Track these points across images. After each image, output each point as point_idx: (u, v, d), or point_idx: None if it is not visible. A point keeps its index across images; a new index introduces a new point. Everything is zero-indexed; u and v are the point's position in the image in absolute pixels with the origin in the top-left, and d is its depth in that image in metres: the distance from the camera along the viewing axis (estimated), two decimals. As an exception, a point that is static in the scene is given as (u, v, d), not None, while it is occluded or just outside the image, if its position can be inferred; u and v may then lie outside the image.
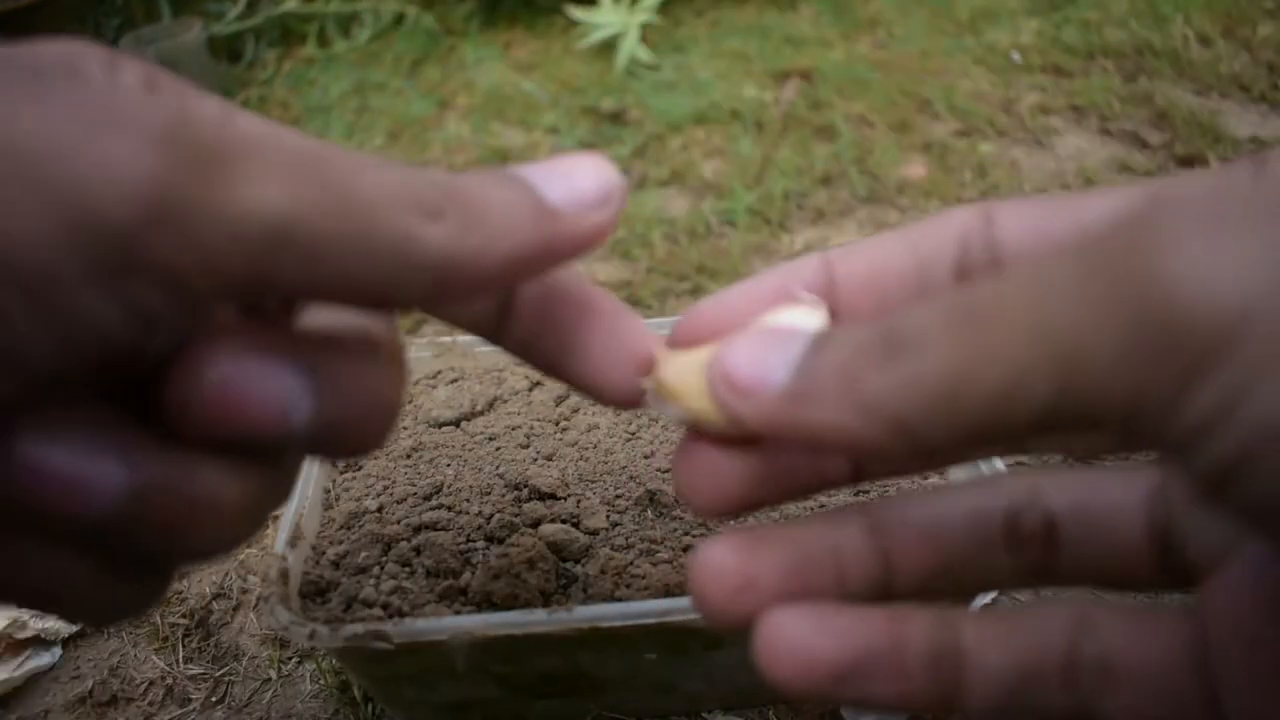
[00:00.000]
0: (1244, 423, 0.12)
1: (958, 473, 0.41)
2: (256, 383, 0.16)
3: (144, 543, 0.17)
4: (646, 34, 1.24)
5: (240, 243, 0.15)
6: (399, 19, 1.38)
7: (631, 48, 1.17)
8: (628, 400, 0.22)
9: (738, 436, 0.19)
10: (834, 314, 0.20)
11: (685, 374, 0.20)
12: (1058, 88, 1.06)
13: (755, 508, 0.21)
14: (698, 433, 0.20)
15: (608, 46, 1.21)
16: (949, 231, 0.20)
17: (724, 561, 0.19)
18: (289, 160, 0.15)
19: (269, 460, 0.18)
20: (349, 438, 0.18)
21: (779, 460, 0.20)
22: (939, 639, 0.18)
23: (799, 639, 0.18)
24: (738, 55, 1.21)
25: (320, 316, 0.19)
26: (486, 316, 0.22)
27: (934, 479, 0.42)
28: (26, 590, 0.17)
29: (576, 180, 0.19)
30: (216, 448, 0.17)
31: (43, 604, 0.18)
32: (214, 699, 0.45)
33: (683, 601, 0.35)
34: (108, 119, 0.14)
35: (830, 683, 0.18)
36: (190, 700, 0.45)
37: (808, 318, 0.19)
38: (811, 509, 0.40)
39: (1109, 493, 0.19)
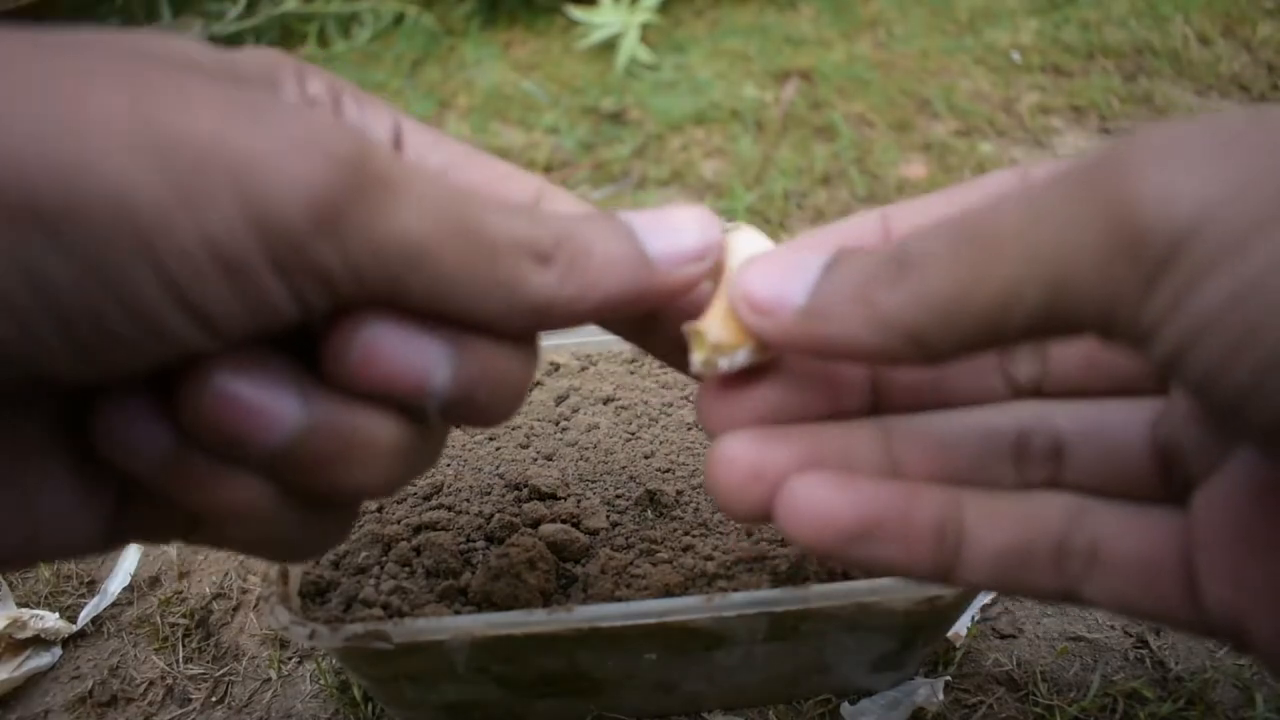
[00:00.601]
0: (1187, 314, 0.15)
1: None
2: (400, 347, 0.19)
3: (313, 474, 0.19)
4: (646, 34, 1.24)
5: (380, 259, 0.17)
6: (399, 19, 1.38)
7: (631, 48, 1.17)
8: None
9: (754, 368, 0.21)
10: None
11: (713, 328, 0.21)
12: (1058, 88, 1.06)
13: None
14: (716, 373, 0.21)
15: (608, 46, 1.21)
16: (989, 190, 0.22)
17: (740, 452, 0.20)
18: (434, 197, 0.18)
19: (416, 417, 0.20)
20: (482, 405, 0.20)
21: (797, 391, 0.21)
22: (944, 513, 0.20)
23: (819, 498, 0.19)
24: (738, 55, 1.21)
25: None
26: (632, 328, 0.25)
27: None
28: (223, 509, 0.20)
29: (680, 235, 0.21)
30: (371, 398, 0.19)
31: (240, 531, 0.20)
32: (214, 699, 0.45)
33: (683, 601, 0.35)
34: (299, 137, 0.17)
35: (844, 541, 0.19)
36: (190, 700, 0.45)
37: (759, 241, 0.22)
38: None
39: (1116, 414, 0.21)
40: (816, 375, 0.22)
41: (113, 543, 0.21)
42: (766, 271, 0.20)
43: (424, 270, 0.18)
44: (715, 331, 0.21)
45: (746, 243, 0.22)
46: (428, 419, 0.20)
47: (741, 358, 0.21)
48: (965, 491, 0.21)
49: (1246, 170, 0.14)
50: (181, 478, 0.19)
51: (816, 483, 0.20)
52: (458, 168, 0.24)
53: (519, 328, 0.20)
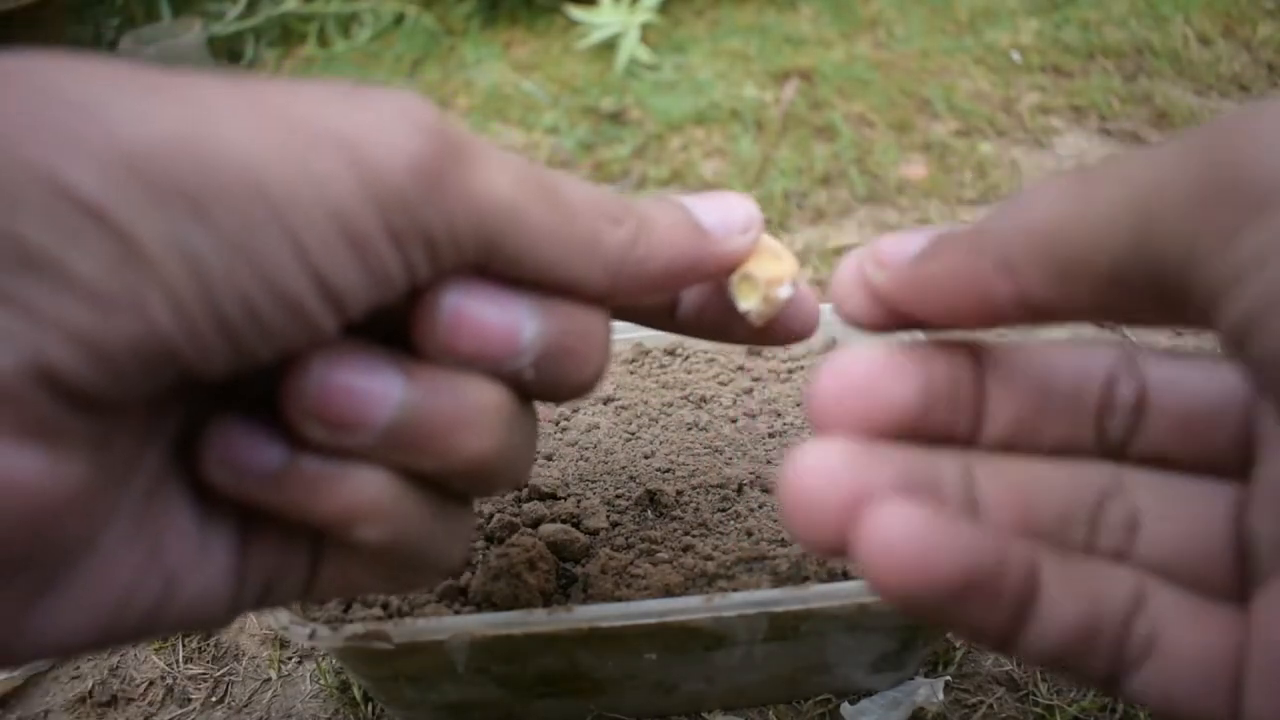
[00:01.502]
0: (1272, 273, 0.13)
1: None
2: (486, 308, 0.20)
3: (427, 449, 0.19)
4: (646, 34, 1.24)
5: (477, 220, 0.18)
6: (399, 19, 1.38)
7: (631, 48, 1.17)
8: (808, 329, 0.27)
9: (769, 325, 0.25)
10: None
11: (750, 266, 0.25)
12: (1058, 88, 1.06)
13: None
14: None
15: (608, 46, 1.21)
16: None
17: (834, 466, 0.17)
18: (513, 164, 0.19)
19: (512, 381, 0.20)
20: (572, 363, 0.21)
21: (918, 404, 0.19)
22: (1028, 574, 0.17)
23: (917, 537, 0.16)
24: (738, 55, 1.21)
25: None
26: (658, 310, 0.27)
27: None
28: (347, 511, 0.19)
29: (727, 210, 0.24)
30: (469, 366, 0.20)
31: (369, 532, 0.20)
32: (214, 699, 0.45)
33: (683, 601, 0.35)
34: (390, 110, 0.18)
35: (939, 596, 0.16)
36: (190, 700, 0.45)
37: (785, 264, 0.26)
38: None
39: (1200, 493, 0.19)
40: (938, 390, 0.19)
41: (239, 603, 0.20)
42: (895, 236, 0.20)
43: (515, 229, 0.19)
44: (762, 270, 0.25)
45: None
46: (523, 381, 0.21)
47: (787, 290, 0.25)
48: (1042, 551, 0.18)
49: None
50: (299, 487, 0.19)
51: (913, 517, 0.16)
52: None
53: (597, 285, 0.21)
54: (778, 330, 0.27)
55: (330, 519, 0.20)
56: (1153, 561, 0.19)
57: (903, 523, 0.16)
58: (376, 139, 0.17)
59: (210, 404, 0.20)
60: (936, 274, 0.18)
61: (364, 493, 0.19)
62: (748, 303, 0.25)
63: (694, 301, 0.27)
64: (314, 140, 0.17)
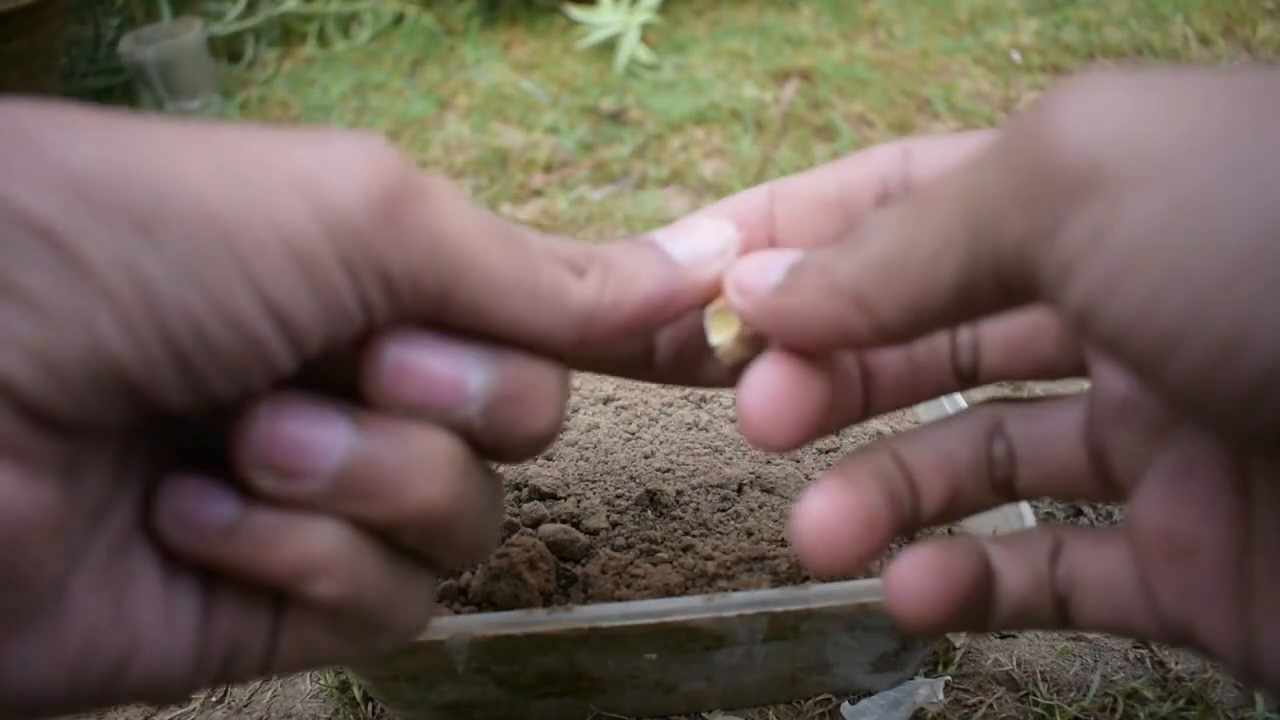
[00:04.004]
0: (1103, 256, 0.14)
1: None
2: (432, 356, 0.19)
3: (378, 497, 0.19)
4: (646, 34, 1.24)
5: (436, 258, 0.18)
6: (399, 19, 1.38)
7: (631, 48, 1.17)
8: None
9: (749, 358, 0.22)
10: (772, 239, 0.24)
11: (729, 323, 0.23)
12: (1058, 88, 1.06)
13: (808, 439, 0.22)
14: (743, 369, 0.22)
15: (608, 46, 1.21)
16: (869, 169, 0.23)
17: (840, 505, 0.20)
18: (474, 209, 0.19)
19: (462, 432, 0.20)
20: (521, 417, 0.20)
21: (824, 396, 0.22)
22: (987, 564, 0.21)
23: (936, 578, 0.20)
24: (738, 55, 1.21)
25: None
26: (634, 359, 0.25)
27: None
28: (302, 564, 0.19)
29: (696, 237, 0.22)
30: (416, 416, 0.19)
31: (326, 588, 0.19)
32: (214, 699, 0.45)
33: (683, 601, 0.35)
34: (349, 147, 0.18)
35: (960, 611, 0.20)
36: (190, 700, 0.45)
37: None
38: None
39: (1053, 418, 0.22)
40: (837, 385, 0.22)
41: (200, 672, 0.20)
42: (756, 259, 0.21)
43: (476, 274, 0.19)
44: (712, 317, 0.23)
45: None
46: (472, 432, 0.20)
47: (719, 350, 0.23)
48: (985, 540, 0.22)
49: (1158, 98, 0.14)
50: (252, 542, 0.19)
51: (929, 559, 0.20)
52: None
53: (565, 339, 0.20)
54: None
55: (285, 573, 0.19)
56: (1032, 480, 0.22)
57: (923, 566, 0.20)
58: (332, 172, 0.17)
59: (174, 461, 0.20)
60: (795, 308, 0.19)
61: (317, 545, 0.19)
62: (719, 336, 0.23)
63: (670, 346, 0.25)
64: (268, 174, 0.17)
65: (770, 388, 0.21)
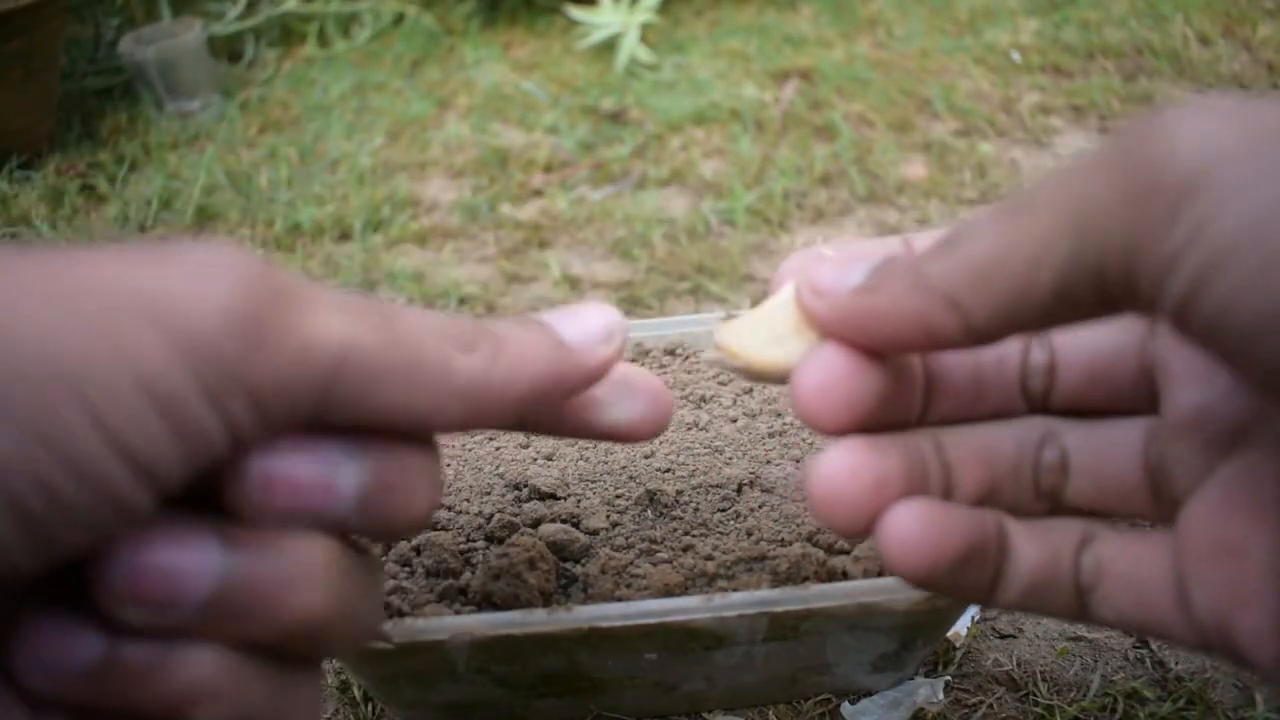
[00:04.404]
0: (1207, 241, 0.15)
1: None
2: (299, 464, 0.18)
3: (259, 616, 0.18)
4: (646, 34, 1.24)
5: (307, 366, 0.17)
6: (399, 19, 1.38)
7: (631, 48, 1.17)
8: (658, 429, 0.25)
9: (779, 380, 0.23)
10: None
11: (739, 333, 0.23)
12: (1058, 88, 1.06)
13: (857, 426, 0.22)
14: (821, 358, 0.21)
15: (608, 46, 1.21)
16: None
17: (854, 462, 0.21)
18: (347, 302, 0.18)
19: (339, 532, 0.19)
20: (397, 506, 0.20)
21: (884, 397, 0.22)
22: (1002, 535, 0.21)
23: (932, 525, 0.20)
24: (738, 55, 1.21)
25: None
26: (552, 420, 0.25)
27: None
28: (183, 695, 0.18)
29: (585, 321, 0.22)
30: (289, 523, 0.18)
31: (213, 716, 0.18)
32: (214, 699, 0.45)
33: (683, 601, 0.35)
34: (202, 262, 0.17)
35: (949, 567, 0.20)
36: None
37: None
38: None
39: (1113, 432, 0.22)
40: (898, 382, 0.22)
41: None
42: (832, 264, 0.21)
43: (354, 369, 0.18)
44: (727, 337, 0.24)
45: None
46: (348, 528, 0.19)
47: (733, 368, 0.24)
48: (1005, 516, 0.22)
49: (1264, 119, 0.15)
50: (123, 678, 0.17)
51: (925, 509, 0.20)
52: None
53: (455, 421, 0.20)
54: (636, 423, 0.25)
55: (163, 707, 0.18)
56: (1085, 496, 0.22)
57: (916, 516, 0.20)
58: (185, 293, 0.16)
59: (27, 597, 0.18)
60: (879, 307, 0.19)
61: (195, 673, 0.18)
62: (711, 353, 0.24)
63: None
64: (116, 305, 0.16)
65: (828, 369, 0.21)
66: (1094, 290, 0.17)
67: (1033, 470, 0.22)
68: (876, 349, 0.21)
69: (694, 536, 0.40)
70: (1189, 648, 0.21)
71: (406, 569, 0.39)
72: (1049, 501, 0.23)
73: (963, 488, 0.22)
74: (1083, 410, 0.23)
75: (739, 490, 0.42)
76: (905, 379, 0.22)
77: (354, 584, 0.20)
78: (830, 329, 0.21)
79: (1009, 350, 0.23)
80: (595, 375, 0.22)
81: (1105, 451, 0.22)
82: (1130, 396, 0.22)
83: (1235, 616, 0.19)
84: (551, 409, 0.24)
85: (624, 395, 0.24)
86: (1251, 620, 0.19)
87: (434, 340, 0.19)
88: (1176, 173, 0.15)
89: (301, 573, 0.18)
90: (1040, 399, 0.23)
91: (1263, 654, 0.19)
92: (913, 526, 0.20)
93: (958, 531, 0.20)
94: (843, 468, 0.21)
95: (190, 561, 0.17)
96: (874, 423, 0.21)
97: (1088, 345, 0.22)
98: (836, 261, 0.21)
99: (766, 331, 0.23)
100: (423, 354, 0.19)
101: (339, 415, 0.18)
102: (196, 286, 0.16)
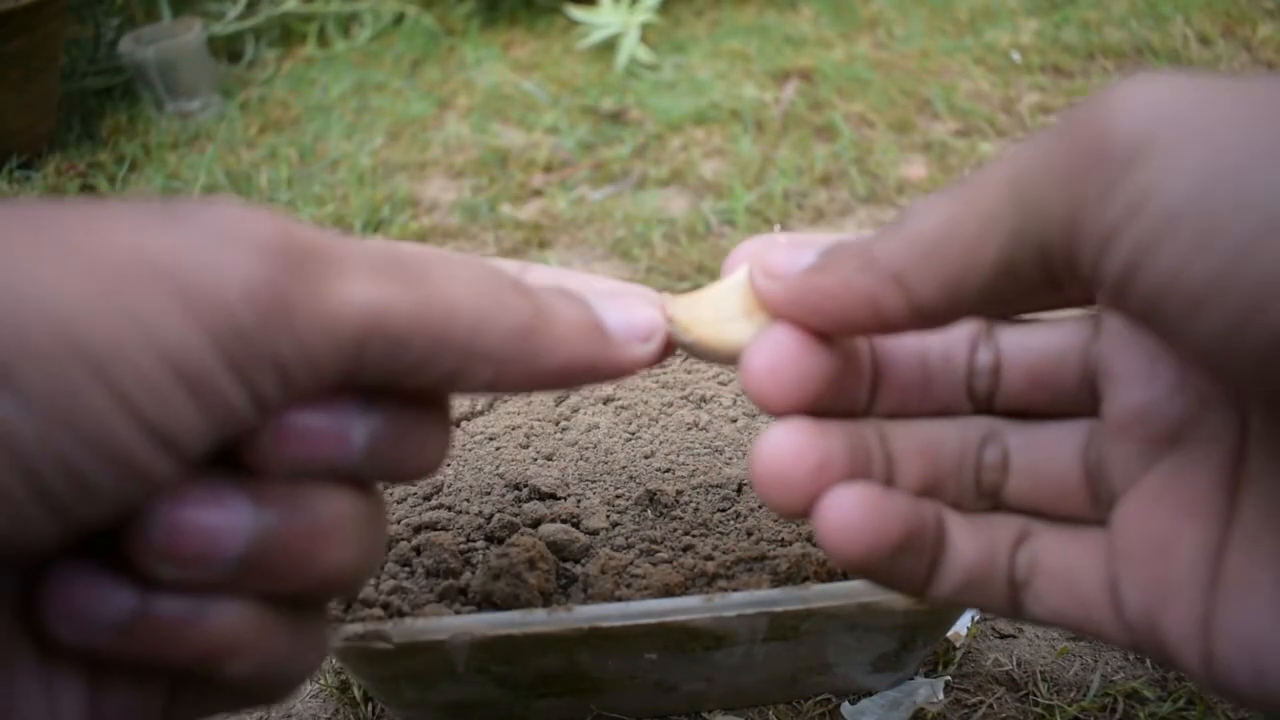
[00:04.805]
0: (1146, 217, 0.15)
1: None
2: (316, 420, 0.18)
3: (290, 570, 0.18)
4: (646, 34, 1.24)
5: (336, 336, 0.17)
6: (399, 19, 1.38)
7: (631, 48, 1.17)
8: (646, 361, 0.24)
9: (727, 359, 0.23)
10: None
11: (691, 308, 0.23)
12: (1058, 87, 1.06)
13: (805, 406, 0.22)
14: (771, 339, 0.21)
15: (608, 46, 1.21)
16: None
17: (798, 442, 0.20)
18: (376, 262, 0.18)
19: (359, 483, 0.20)
20: (401, 462, 0.20)
21: (832, 381, 0.22)
22: (939, 527, 0.21)
23: (870, 509, 0.20)
24: (738, 55, 1.21)
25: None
26: None
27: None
28: (212, 648, 0.18)
29: (630, 312, 0.22)
30: (315, 478, 0.19)
31: (235, 667, 0.19)
32: (214, 699, 0.45)
33: (683, 601, 0.35)
34: (221, 231, 0.16)
35: (886, 552, 0.20)
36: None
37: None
38: None
39: (1054, 434, 0.22)
40: (847, 367, 0.22)
41: None
42: (785, 248, 0.21)
43: (383, 335, 0.17)
44: (681, 312, 0.24)
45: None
46: (360, 474, 0.20)
47: (686, 344, 0.23)
48: (945, 509, 0.22)
49: (1212, 89, 0.15)
50: (155, 633, 0.18)
51: (865, 494, 0.20)
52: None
53: (480, 385, 0.19)
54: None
55: (194, 660, 0.18)
56: (1024, 495, 0.22)
57: (856, 499, 0.20)
58: (205, 263, 0.16)
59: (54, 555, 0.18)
60: (828, 287, 0.20)
61: (227, 628, 0.18)
62: (664, 326, 0.24)
63: None
64: (135, 275, 0.15)
65: (778, 349, 0.21)
66: (1037, 265, 0.17)
67: (974, 468, 0.23)
68: (826, 329, 0.21)
69: (694, 536, 0.40)
70: (1121, 646, 0.21)
71: (406, 569, 0.39)
72: (989, 500, 0.23)
73: (904, 479, 0.22)
74: (1026, 412, 0.23)
75: (739, 490, 0.42)
76: (854, 366, 0.22)
77: (374, 533, 0.20)
78: (781, 310, 0.21)
79: (956, 349, 0.23)
80: (628, 372, 0.22)
81: (1046, 452, 0.22)
82: (1073, 399, 0.22)
83: (1161, 614, 0.19)
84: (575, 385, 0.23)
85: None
86: (1177, 618, 0.19)
87: (469, 301, 0.18)
88: (1118, 143, 0.15)
89: (331, 530, 0.19)
90: (985, 399, 0.23)
91: (1186, 653, 0.19)
92: (852, 510, 0.20)
93: (897, 518, 0.20)
94: (786, 447, 0.20)
95: (225, 519, 0.17)
96: (821, 407, 0.21)
97: (1034, 347, 0.22)
98: (789, 246, 0.21)
99: (718, 310, 0.23)
100: (455, 319, 0.18)
101: (366, 377, 0.18)
102: (217, 255, 0.16)
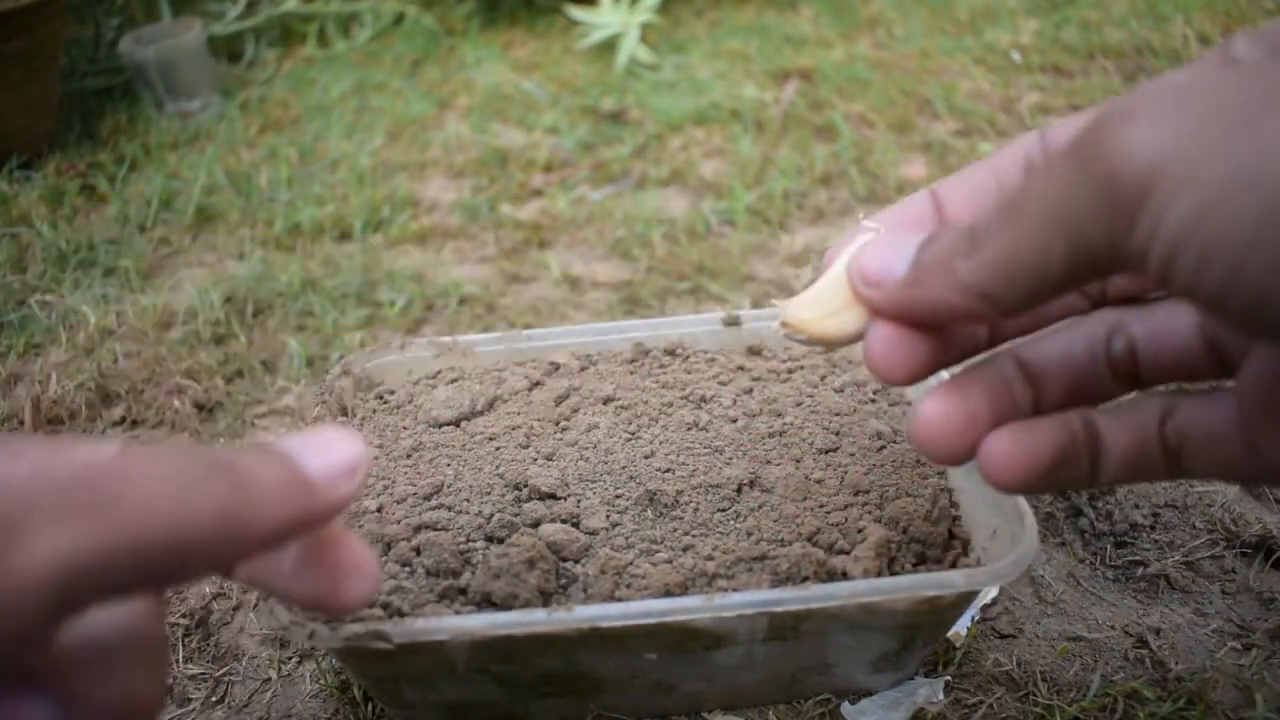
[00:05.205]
0: (1162, 239, 0.18)
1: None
2: None
3: None
4: (646, 34, 1.24)
5: (32, 598, 0.16)
6: (399, 19, 1.38)
7: (631, 48, 1.17)
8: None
9: (843, 344, 0.28)
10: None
11: (801, 309, 0.28)
12: (1058, 87, 1.06)
13: (926, 376, 0.27)
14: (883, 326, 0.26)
15: (608, 46, 1.21)
16: (1016, 151, 0.28)
17: (944, 407, 0.25)
18: (64, 498, 0.17)
19: None
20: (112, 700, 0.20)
21: (943, 339, 0.26)
22: (1090, 429, 0.25)
23: (1023, 444, 0.25)
24: (738, 55, 1.21)
25: (85, 623, 0.20)
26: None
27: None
28: None
29: (333, 453, 0.22)
30: None
31: None
32: (214, 699, 0.45)
33: (683, 601, 0.35)
34: None
35: (1046, 474, 0.25)
36: (190, 700, 0.45)
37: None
38: None
39: (1169, 311, 0.26)
40: (955, 332, 0.27)
41: None
42: (875, 253, 0.26)
43: (80, 581, 0.17)
44: (793, 314, 0.29)
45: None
46: None
47: (802, 341, 0.29)
48: (1092, 411, 0.26)
49: (1190, 122, 0.18)
50: None
51: (1011, 435, 0.25)
52: None
53: (198, 574, 0.20)
54: None
55: None
56: (1155, 370, 0.26)
57: (1007, 441, 0.25)
58: None
59: None
60: (924, 300, 0.24)
61: None
62: (780, 329, 0.29)
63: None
64: None
65: (889, 340, 0.25)
66: (1093, 270, 0.21)
67: (1106, 361, 0.26)
68: (921, 324, 0.25)
69: (694, 536, 0.40)
70: (1267, 484, 0.24)
71: (406, 569, 0.39)
72: (1128, 384, 0.26)
73: (1049, 395, 0.26)
74: (1138, 297, 0.26)
75: (739, 490, 0.42)
76: (962, 327, 0.27)
77: None
78: (882, 313, 0.26)
79: None
80: (337, 511, 0.22)
81: (1167, 330, 0.26)
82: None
83: None
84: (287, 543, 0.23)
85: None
86: None
87: (164, 505, 0.18)
88: (1128, 182, 0.19)
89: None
90: (1099, 295, 0.27)
91: None
92: (1005, 452, 0.25)
93: (1046, 443, 0.25)
94: (935, 413, 0.25)
95: None
96: (942, 363, 0.26)
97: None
98: (881, 246, 0.26)
99: (826, 306, 0.28)
100: (151, 532, 0.18)
101: (75, 610, 0.18)
102: None
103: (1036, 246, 0.21)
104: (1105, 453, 0.25)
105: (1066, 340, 0.26)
